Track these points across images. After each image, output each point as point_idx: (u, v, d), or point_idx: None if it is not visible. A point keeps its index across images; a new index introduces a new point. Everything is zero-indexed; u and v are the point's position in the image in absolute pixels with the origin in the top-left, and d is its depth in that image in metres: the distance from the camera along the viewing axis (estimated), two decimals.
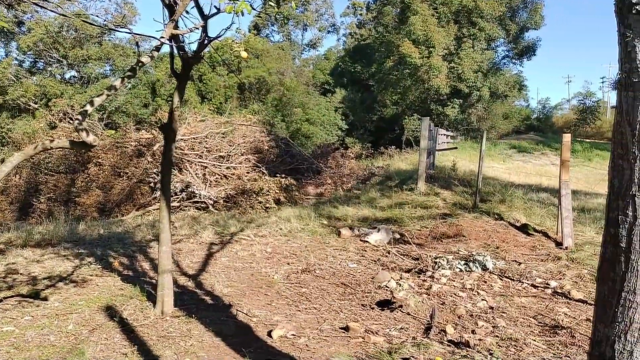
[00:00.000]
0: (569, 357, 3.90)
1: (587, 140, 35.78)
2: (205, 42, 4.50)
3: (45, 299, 5.12)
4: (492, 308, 4.98)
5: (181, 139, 13.73)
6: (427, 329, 4.44)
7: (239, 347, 4.08)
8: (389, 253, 7.07)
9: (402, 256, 6.92)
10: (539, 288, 5.59)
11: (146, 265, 6.50)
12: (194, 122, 15.43)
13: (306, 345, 4.18)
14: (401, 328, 4.52)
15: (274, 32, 53.21)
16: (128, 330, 4.41)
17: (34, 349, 4.03)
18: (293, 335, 4.36)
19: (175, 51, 4.57)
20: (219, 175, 13.93)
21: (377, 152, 25.55)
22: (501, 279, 5.88)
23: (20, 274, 5.95)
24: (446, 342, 4.14)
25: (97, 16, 27.14)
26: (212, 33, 4.44)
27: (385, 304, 5.13)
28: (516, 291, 5.51)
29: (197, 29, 4.19)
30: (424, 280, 5.84)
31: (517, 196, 10.37)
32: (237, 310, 4.98)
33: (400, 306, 5.02)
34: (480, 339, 4.14)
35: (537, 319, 4.72)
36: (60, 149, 11.66)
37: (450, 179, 12.84)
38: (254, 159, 15.05)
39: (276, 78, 36.47)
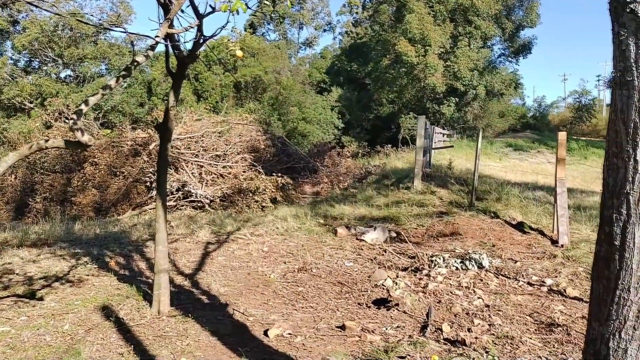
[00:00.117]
0: (564, 354, 3.92)
1: (583, 138, 35.91)
2: (201, 41, 4.49)
3: (41, 299, 5.10)
4: (488, 306, 4.99)
5: (177, 138, 13.71)
6: (424, 328, 4.45)
7: (236, 346, 4.08)
8: (385, 252, 7.08)
9: (398, 255, 6.93)
10: (535, 286, 5.60)
11: (142, 265, 6.49)
12: (190, 121, 15.41)
13: (302, 344, 4.18)
14: (397, 326, 4.52)
15: (270, 30, 53.25)
16: (124, 330, 4.40)
17: (30, 349, 4.02)
18: (289, 334, 4.36)
19: (171, 50, 4.56)
20: (215, 174, 13.92)
21: (374, 150, 25.61)
22: (497, 277, 5.90)
23: (16, 274, 5.94)
24: (442, 341, 4.15)
25: (92, 15, 27.10)
26: (207, 32, 4.44)
27: (381, 303, 5.13)
28: (512, 289, 5.52)
29: (193, 28, 4.17)
30: (421, 279, 5.85)
31: (513, 194, 10.40)
32: (233, 309, 4.98)
33: (397, 305, 5.02)
34: (476, 337, 4.15)
35: (533, 316, 4.73)
36: (56, 149, 11.62)
37: (446, 178, 12.86)
38: (251, 158, 15.04)
39: (272, 77, 36.47)
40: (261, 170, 14.23)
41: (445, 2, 31.80)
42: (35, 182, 14.41)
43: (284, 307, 5.10)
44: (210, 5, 4.08)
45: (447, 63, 31.41)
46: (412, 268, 6.23)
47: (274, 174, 14.12)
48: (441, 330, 4.36)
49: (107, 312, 4.78)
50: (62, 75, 34.93)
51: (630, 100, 1.91)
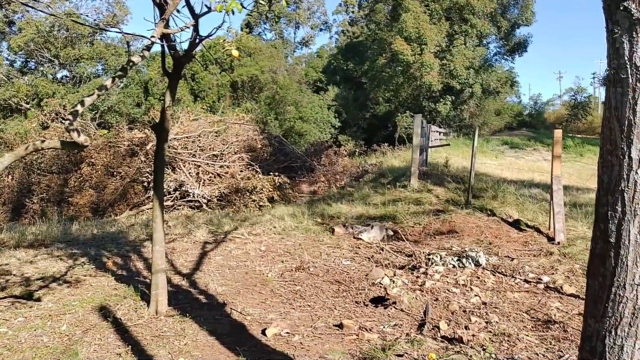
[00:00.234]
0: (561, 351, 3.93)
1: (579, 135, 35.96)
2: (197, 41, 4.49)
3: (38, 299, 5.10)
4: (485, 304, 5.01)
5: (174, 138, 13.69)
6: (421, 325, 4.46)
7: (233, 345, 4.08)
8: (382, 250, 7.09)
9: (395, 253, 6.94)
10: (532, 283, 5.62)
11: (140, 265, 6.49)
12: (187, 121, 15.38)
13: (300, 343, 4.18)
14: (395, 325, 4.53)
15: (266, 30, 53.20)
16: (122, 330, 4.40)
17: (27, 350, 4.01)
18: (287, 333, 4.37)
19: (167, 50, 4.56)
20: (212, 174, 13.91)
21: (370, 149, 25.61)
22: (494, 275, 5.91)
23: (13, 274, 5.92)
24: (439, 338, 4.16)
25: (88, 16, 27.01)
26: (203, 32, 4.44)
27: (379, 301, 5.14)
28: (509, 286, 5.54)
29: (188, 28, 4.17)
30: (418, 277, 5.87)
31: (509, 192, 10.42)
32: (231, 308, 4.98)
33: (394, 303, 5.04)
34: (473, 335, 4.16)
35: (530, 314, 4.75)
36: (53, 149, 11.60)
37: (443, 176, 12.88)
38: (248, 157, 15.03)
39: (269, 76, 36.42)
40: (258, 170, 14.22)
41: (440, 1, 31.82)
42: (32, 182, 14.37)
43: (282, 306, 5.11)
44: (205, 5, 4.08)
45: (443, 61, 31.43)
46: (409, 266, 6.25)
47: (271, 173, 14.11)
48: (438, 328, 4.38)
49: (105, 312, 4.77)
50: (59, 75, 34.81)
51: (624, 97, 1.92)
